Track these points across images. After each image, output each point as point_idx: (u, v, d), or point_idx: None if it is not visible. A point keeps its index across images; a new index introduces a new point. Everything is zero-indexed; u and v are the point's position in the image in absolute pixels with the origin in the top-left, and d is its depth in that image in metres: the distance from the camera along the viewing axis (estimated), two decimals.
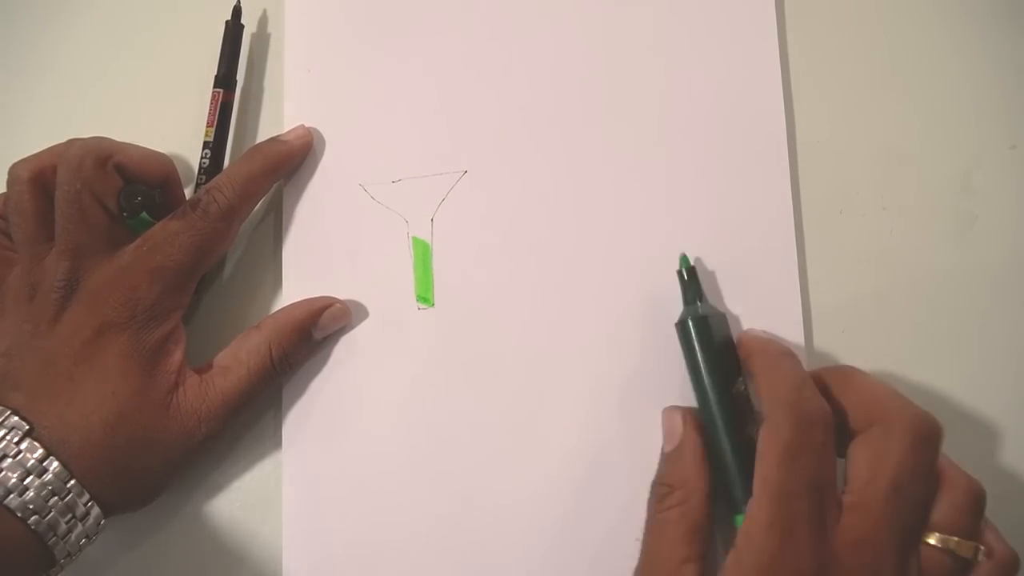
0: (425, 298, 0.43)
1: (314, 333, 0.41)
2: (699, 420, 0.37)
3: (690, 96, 0.43)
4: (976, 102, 0.42)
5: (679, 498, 0.36)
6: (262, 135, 0.43)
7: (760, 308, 0.40)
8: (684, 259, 0.39)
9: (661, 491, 0.37)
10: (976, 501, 0.34)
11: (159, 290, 0.39)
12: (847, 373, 0.36)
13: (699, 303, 0.39)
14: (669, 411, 0.38)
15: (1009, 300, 0.40)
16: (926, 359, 0.40)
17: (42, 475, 0.36)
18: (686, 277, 0.39)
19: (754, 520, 0.33)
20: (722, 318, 0.39)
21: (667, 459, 0.38)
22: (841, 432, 0.34)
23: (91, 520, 0.37)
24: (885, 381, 0.36)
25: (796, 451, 0.33)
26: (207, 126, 0.44)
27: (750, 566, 0.32)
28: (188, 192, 0.45)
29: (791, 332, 0.39)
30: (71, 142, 0.40)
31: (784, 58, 0.43)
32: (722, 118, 0.42)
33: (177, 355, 0.39)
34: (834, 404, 0.35)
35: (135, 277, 0.38)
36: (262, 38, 0.46)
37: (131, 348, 0.38)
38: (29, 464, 0.36)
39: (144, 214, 0.41)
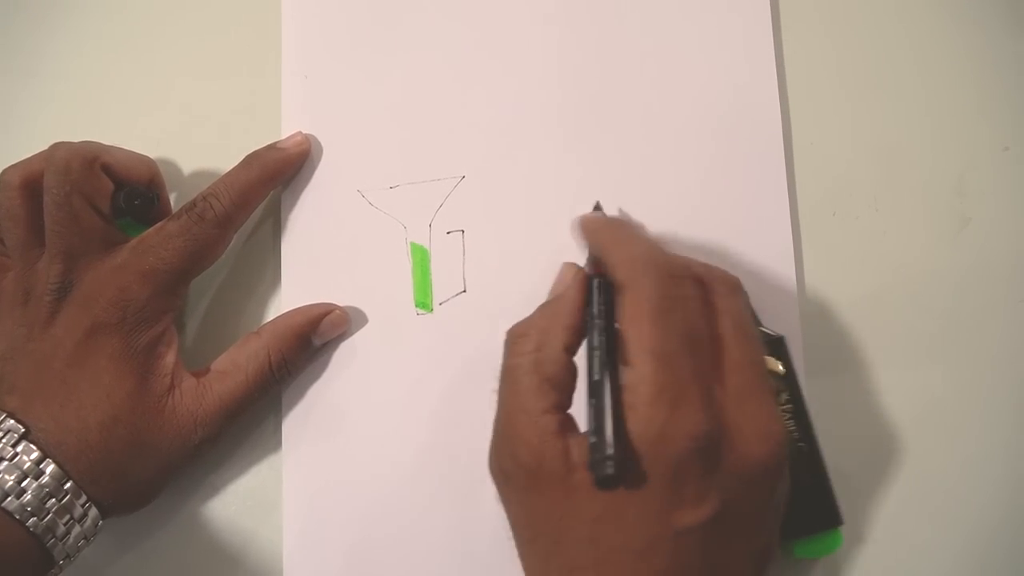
0: (424, 304, 0.43)
1: (313, 339, 0.42)
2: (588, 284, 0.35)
3: (686, 99, 0.43)
4: (969, 104, 0.42)
5: (533, 344, 0.33)
6: (259, 142, 0.43)
7: (756, 309, 0.40)
8: None
9: (514, 336, 0.34)
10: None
11: (150, 292, 0.39)
12: (593, 228, 0.36)
13: None
14: (566, 265, 0.37)
15: (1002, 301, 0.41)
16: (920, 360, 0.40)
17: (39, 477, 0.36)
18: None
19: (637, 391, 0.31)
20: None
21: (538, 308, 0.35)
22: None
23: (89, 521, 0.37)
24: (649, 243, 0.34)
25: (669, 306, 0.31)
26: None
27: (640, 440, 0.30)
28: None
29: (787, 332, 0.39)
30: (57, 146, 0.40)
31: (780, 61, 0.43)
32: (718, 120, 0.42)
33: (169, 357, 0.40)
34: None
35: (126, 278, 0.39)
36: (259, 45, 0.46)
37: (122, 350, 0.38)
38: (26, 467, 0.36)
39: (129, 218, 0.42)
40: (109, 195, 0.41)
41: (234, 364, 0.40)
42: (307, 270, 0.44)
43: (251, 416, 0.41)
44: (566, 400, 0.33)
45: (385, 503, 0.41)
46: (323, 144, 0.44)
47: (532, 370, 0.33)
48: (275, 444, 0.42)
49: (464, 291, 0.43)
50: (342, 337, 0.43)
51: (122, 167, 0.41)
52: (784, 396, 0.38)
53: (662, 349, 0.31)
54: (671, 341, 0.31)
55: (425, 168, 0.44)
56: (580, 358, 0.34)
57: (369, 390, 0.42)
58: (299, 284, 0.44)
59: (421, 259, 0.43)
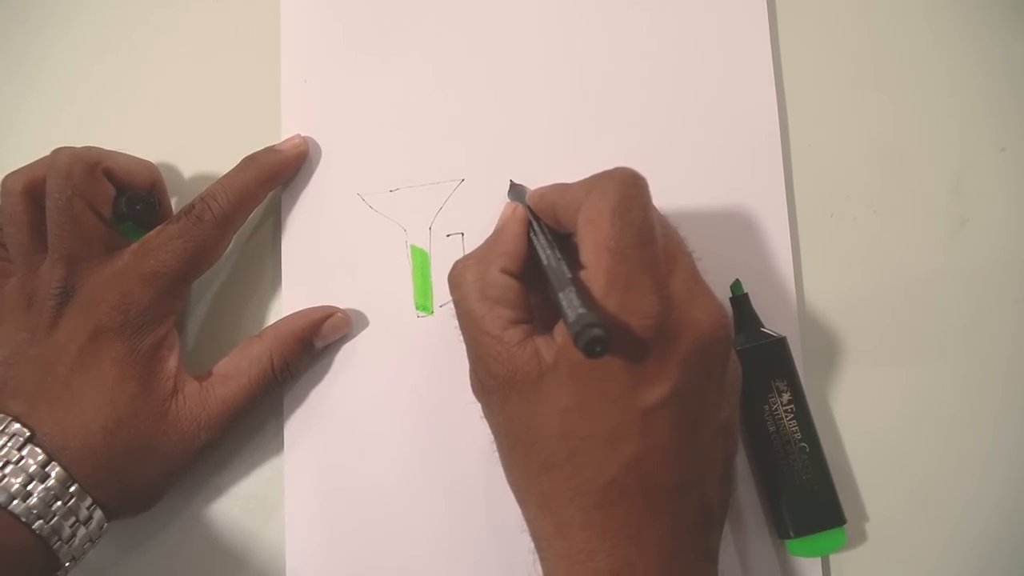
0: (424, 306, 0.43)
1: (315, 343, 0.42)
2: (528, 219, 0.37)
3: (684, 101, 0.43)
4: (966, 105, 0.42)
5: (474, 274, 0.35)
6: (258, 145, 0.43)
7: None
8: (737, 285, 0.40)
9: (455, 273, 0.36)
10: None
11: (152, 295, 0.39)
12: (540, 194, 0.37)
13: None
14: (507, 204, 0.38)
15: (999, 302, 0.41)
16: (918, 360, 0.40)
17: (44, 480, 0.36)
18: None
19: (592, 281, 0.32)
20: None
21: (484, 243, 0.37)
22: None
23: (94, 524, 0.37)
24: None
25: (626, 206, 0.32)
26: None
27: None
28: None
29: (786, 333, 0.39)
30: (59, 151, 0.40)
31: (777, 62, 0.43)
32: (716, 122, 0.43)
33: (172, 361, 0.40)
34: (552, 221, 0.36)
35: (128, 282, 0.39)
36: (258, 49, 0.46)
37: (125, 354, 0.39)
38: (31, 470, 0.36)
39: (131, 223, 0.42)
40: (111, 200, 0.41)
41: (236, 368, 0.41)
42: (307, 273, 0.44)
43: (253, 419, 0.42)
44: (521, 314, 0.35)
45: (387, 505, 0.41)
46: (323, 148, 0.45)
47: (479, 297, 0.35)
48: (277, 446, 0.43)
49: None
50: (343, 340, 0.43)
51: (124, 172, 0.42)
52: (787, 396, 0.38)
53: (617, 244, 0.32)
54: (626, 236, 0.32)
55: (424, 171, 0.44)
56: None
57: (370, 392, 0.42)
58: (299, 287, 0.44)
59: (421, 262, 0.43)
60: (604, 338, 0.29)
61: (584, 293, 0.32)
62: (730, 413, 0.35)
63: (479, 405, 0.36)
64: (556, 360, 0.33)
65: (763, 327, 0.39)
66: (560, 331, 0.33)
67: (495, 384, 0.34)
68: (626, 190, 0.33)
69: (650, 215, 0.33)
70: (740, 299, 0.40)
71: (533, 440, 0.33)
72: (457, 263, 0.36)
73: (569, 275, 0.33)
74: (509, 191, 0.42)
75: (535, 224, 0.36)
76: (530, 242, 0.36)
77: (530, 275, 0.36)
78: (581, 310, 0.30)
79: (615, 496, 0.32)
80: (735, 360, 0.36)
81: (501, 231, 0.37)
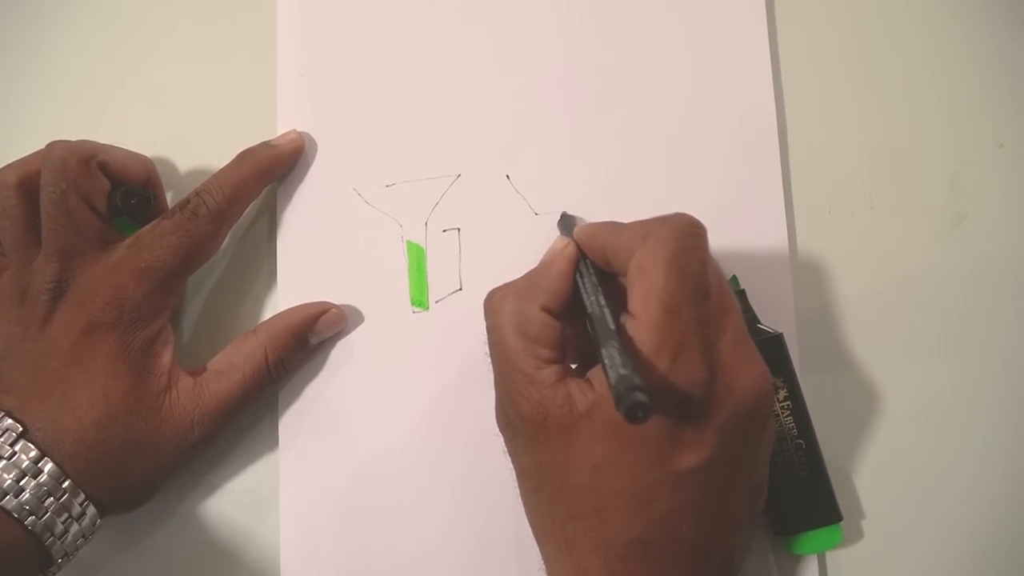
0: (420, 302, 0.43)
1: (310, 338, 0.42)
2: (578, 255, 0.35)
3: (682, 97, 0.43)
4: (964, 102, 0.42)
5: (512, 306, 0.34)
6: (254, 139, 0.43)
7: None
8: (734, 281, 0.40)
9: (492, 299, 0.35)
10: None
11: (146, 290, 0.39)
12: (590, 232, 0.35)
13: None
14: (558, 238, 0.37)
15: (997, 298, 0.41)
16: (915, 356, 0.40)
17: (37, 476, 0.36)
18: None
19: (641, 338, 0.31)
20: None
21: (527, 274, 0.36)
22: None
23: (87, 520, 0.37)
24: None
25: (684, 259, 0.31)
26: None
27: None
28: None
29: (782, 330, 0.39)
30: (53, 144, 0.40)
31: (775, 59, 0.43)
32: (714, 119, 0.43)
33: (166, 356, 0.40)
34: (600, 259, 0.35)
35: (122, 276, 0.39)
36: (254, 43, 0.46)
37: (119, 349, 0.38)
38: (24, 465, 0.36)
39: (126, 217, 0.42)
40: (105, 194, 0.41)
41: (231, 363, 0.40)
42: (303, 269, 0.44)
43: (248, 414, 0.42)
44: (557, 355, 0.34)
45: (382, 501, 0.41)
46: (319, 142, 0.44)
47: (516, 332, 0.34)
48: (272, 442, 0.42)
49: (460, 289, 0.43)
50: (339, 335, 0.43)
51: (119, 166, 0.41)
52: (783, 393, 0.38)
53: (671, 299, 0.31)
54: (681, 292, 0.31)
55: (421, 166, 0.44)
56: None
57: (365, 388, 0.42)
58: (295, 283, 0.44)
59: (417, 257, 0.43)
60: (648, 404, 0.28)
61: (629, 349, 0.31)
62: (762, 474, 0.35)
63: (474, 401, 0.36)
64: (590, 411, 0.32)
65: (760, 323, 0.39)
66: (599, 381, 0.32)
67: (522, 424, 0.33)
68: (684, 240, 0.32)
69: (707, 270, 0.32)
70: (737, 295, 0.40)
71: (561, 488, 0.33)
72: (496, 291, 0.35)
73: (613, 326, 0.32)
74: (559, 222, 0.41)
75: (582, 263, 0.35)
76: (574, 280, 0.35)
77: (570, 313, 0.35)
78: (623, 371, 0.29)
79: (639, 551, 0.32)
80: (771, 422, 0.35)
81: (547, 266, 0.35)
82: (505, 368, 0.34)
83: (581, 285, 0.35)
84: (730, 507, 0.33)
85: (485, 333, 0.36)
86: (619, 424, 0.30)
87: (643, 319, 0.31)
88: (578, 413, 0.32)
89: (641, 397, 0.28)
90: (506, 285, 0.35)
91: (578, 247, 0.36)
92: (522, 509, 0.36)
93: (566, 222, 0.41)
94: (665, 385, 0.31)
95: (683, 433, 0.31)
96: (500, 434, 0.36)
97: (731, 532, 0.33)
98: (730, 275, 0.40)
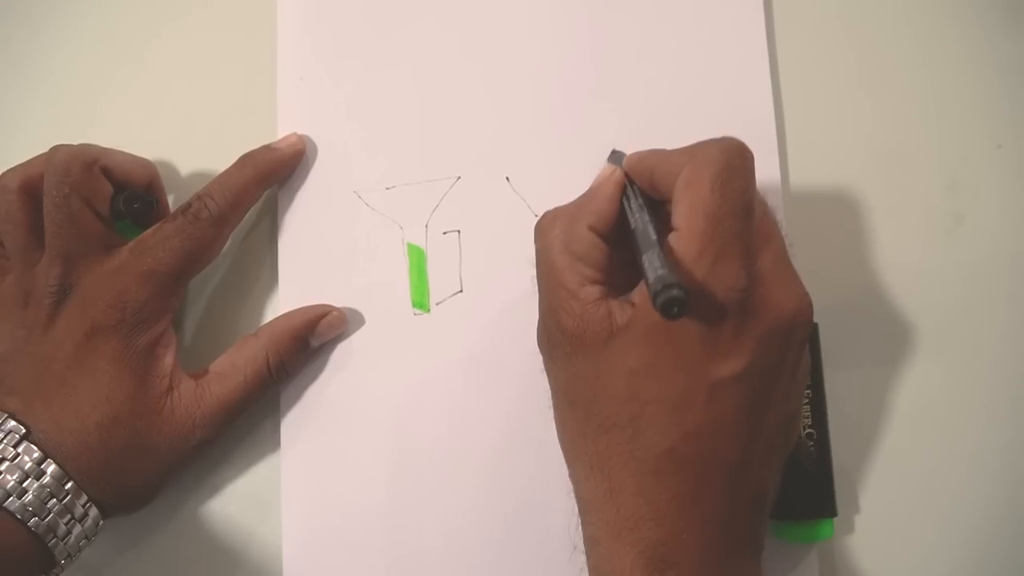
0: (421, 304, 0.43)
1: (311, 341, 0.42)
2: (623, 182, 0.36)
3: (680, 98, 0.43)
4: (962, 103, 0.42)
5: (560, 228, 0.35)
6: (255, 143, 0.43)
7: None
8: None
9: (543, 223, 0.36)
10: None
11: (148, 293, 0.39)
12: (639, 157, 0.36)
13: None
14: (607, 166, 0.37)
15: (996, 299, 0.41)
16: (914, 357, 0.41)
17: (40, 478, 0.36)
18: None
19: (683, 246, 0.31)
20: None
21: (576, 199, 0.37)
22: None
23: (90, 521, 0.37)
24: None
25: (728, 175, 0.32)
26: None
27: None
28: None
29: None
30: (56, 148, 0.40)
31: (773, 60, 0.43)
32: (713, 120, 0.42)
33: (168, 359, 0.40)
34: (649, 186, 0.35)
35: (124, 280, 0.39)
36: (254, 47, 0.46)
37: (121, 352, 0.39)
38: (27, 467, 0.36)
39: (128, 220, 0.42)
40: (108, 198, 0.41)
41: (232, 366, 0.41)
42: (304, 271, 0.44)
43: (249, 416, 0.42)
44: (601, 275, 0.34)
45: (383, 502, 0.41)
46: (319, 145, 0.45)
47: (563, 250, 0.34)
48: (273, 444, 0.43)
49: (461, 291, 0.43)
50: (340, 338, 0.43)
51: (121, 170, 0.42)
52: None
53: (716, 211, 0.31)
54: (725, 205, 0.31)
55: (421, 169, 0.44)
56: None
57: (366, 390, 0.42)
58: (296, 286, 0.44)
59: (418, 259, 0.43)
60: (683, 300, 0.29)
61: (668, 257, 0.31)
62: (796, 404, 0.35)
63: (475, 404, 0.36)
64: (630, 322, 0.32)
65: None
66: (639, 293, 0.33)
67: (563, 339, 0.34)
68: (731, 159, 0.32)
69: (752, 188, 0.32)
70: None
71: (594, 398, 0.33)
72: (547, 213, 0.36)
73: (655, 237, 0.32)
74: (610, 156, 0.40)
75: (629, 187, 0.36)
76: (621, 206, 0.36)
77: (617, 239, 0.35)
78: (661, 271, 0.30)
79: (672, 466, 0.32)
80: (806, 352, 0.35)
81: (595, 190, 0.36)
82: (550, 285, 0.35)
83: (628, 208, 0.35)
84: (764, 429, 0.33)
85: (486, 334, 0.36)
86: (657, 329, 0.31)
87: (685, 230, 0.32)
88: (617, 327, 0.32)
89: (677, 293, 0.29)
90: (556, 209, 0.36)
91: (626, 175, 0.36)
92: (523, 508, 0.36)
93: (616, 156, 0.40)
94: (704, 288, 0.31)
95: (720, 340, 0.31)
96: (539, 353, 0.36)
97: (765, 455, 0.33)
98: None
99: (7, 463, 0.36)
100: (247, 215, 0.43)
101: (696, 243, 0.31)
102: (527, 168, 0.43)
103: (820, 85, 0.43)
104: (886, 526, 0.40)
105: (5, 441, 0.36)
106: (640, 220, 0.34)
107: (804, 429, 0.38)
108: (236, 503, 0.43)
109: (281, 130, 0.45)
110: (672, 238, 0.32)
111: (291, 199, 0.44)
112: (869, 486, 0.40)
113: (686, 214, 0.32)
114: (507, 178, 0.43)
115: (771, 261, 0.32)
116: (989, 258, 0.41)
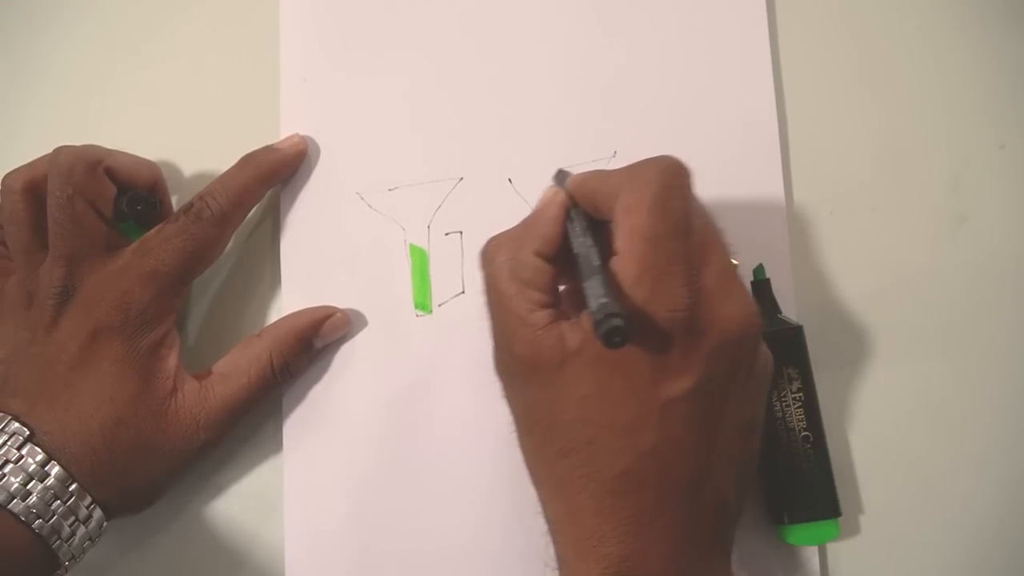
0: (423, 305, 0.43)
1: (315, 342, 0.42)
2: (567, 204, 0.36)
3: (683, 99, 0.43)
4: (965, 103, 0.42)
5: (506, 254, 0.35)
6: (257, 143, 0.43)
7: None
8: (759, 270, 0.40)
9: (488, 249, 0.36)
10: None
11: (151, 294, 0.39)
12: (581, 180, 0.36)
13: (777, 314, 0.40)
14: (549, 188, 0.37)
15: (999, 299, 0.41)
16: (917, 357, 0.41)
17: (44, 479, 0.36)
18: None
19: (623, 271, 0.32)
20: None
21: (520, 223, 0.36)
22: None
23: (93, 523, 0.37)
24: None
25: (666, 196, 0.32)
26: None
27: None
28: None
29: None
30: (60, 149, 0.40)
31: (776, 60, 0.43)
32: (714, 120, 0.43)
33: (172, 360, 0.40)
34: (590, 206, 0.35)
35: (128, 281, 0.39)
36: (257, 48, 0.46)
37: (125, 353, 0.39)
38: (31, 469, 0.36)
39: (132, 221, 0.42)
40: (112, 199, 0.41)
41: (236, 367, 0.41)
42: (306, 272, 0.44)
43: (252, 417, 0.42)
44: (549, 298, 0.34)
45: (385, 503, 0.41)
46: (321, 146, 0.45)
47: (510, 277, 0.34)
48: (276, 445, 0.43)
49: (463, 292, 0.43)
50: (343, 339, 0.43)
51: (125, 171, 0.42)
52: (796, 384, 0.38)
53: (653, 233, 0.31)
54: (663, 226, 0.32)
55: (423, 170, 0.44)
56: None
57: (369, 391, 0.42)
58: (299, 286, 0.44)
59: (420, 261, 0.43)
60: (624, 329, 0.29)
61: (611, 282, 0.32)
62: (754, 411, 0.35)
63: (478, 405, 0.36)
64: (580, 347, 0.32)
65: (780, 314, 0.39)
66: (587, 318, 0.33)
67: (518, 366, 0.34)
68: (668, 179, 0.32)
69: (688, 206, 0.32)
70: (761, 284, 0.40)
71: (552, 425, 0.33)
72: (491, 240, 0.36)
73: (597, 263, 0.32)
74: (554, 176, 0.41)
75: (573, 210, 0.36)
76: (565, 227, 0.36)
77: (563, 260, 0.35)
78: (603, 299, 0.30)
79: (629, 486, 0.32)
80: (767, 355, 0.35)
81: (540, 213, 0.36)
82: (500, 313, 0.35)
83: (571, 230, 0.35)
84: (720, 441, 0.33)
85: (488, 335, 0.36)
86: (606, 354, 0.31)
87: (626, 253, 0.32)
88: (569, 351, 0.32)
89: (617, 322, 0.29)
90: (500, 234, 0.36)
91: (569, 197, 0.36)
92: (525, 509, 0.36)
93: (561, 177, 0.41)
94: (647, 311, 0.31)
95: (669, 360, 0.31)
96: (499, 380, 0.36)
97: (722, 466, 0.33)
98: (755, 265, 0.40)
99: (11, 465, 0.36)
100: (249, 216, 0.43)
101: (636, 266, 0.31)
102: (530, 169, 0.43)
103: (823, 85, 0.43)
104: (890, 526, 0.40)
105: (9, 443, 0.37)
106: (583, 245, 0.34)
107: (800, 432, 0.38)
108: (239, 504, 0.43)
109: (284, 131, 0.45)
110: (614, 262, 0.32)
111: (293, 200, 0.44)
112: (874, 487, 0.40)
113: (626, 237, 0.32)
114: (509, 179, 0.43)
115: (714, 274, 0.32)
116: (992, 258, 0.41)
